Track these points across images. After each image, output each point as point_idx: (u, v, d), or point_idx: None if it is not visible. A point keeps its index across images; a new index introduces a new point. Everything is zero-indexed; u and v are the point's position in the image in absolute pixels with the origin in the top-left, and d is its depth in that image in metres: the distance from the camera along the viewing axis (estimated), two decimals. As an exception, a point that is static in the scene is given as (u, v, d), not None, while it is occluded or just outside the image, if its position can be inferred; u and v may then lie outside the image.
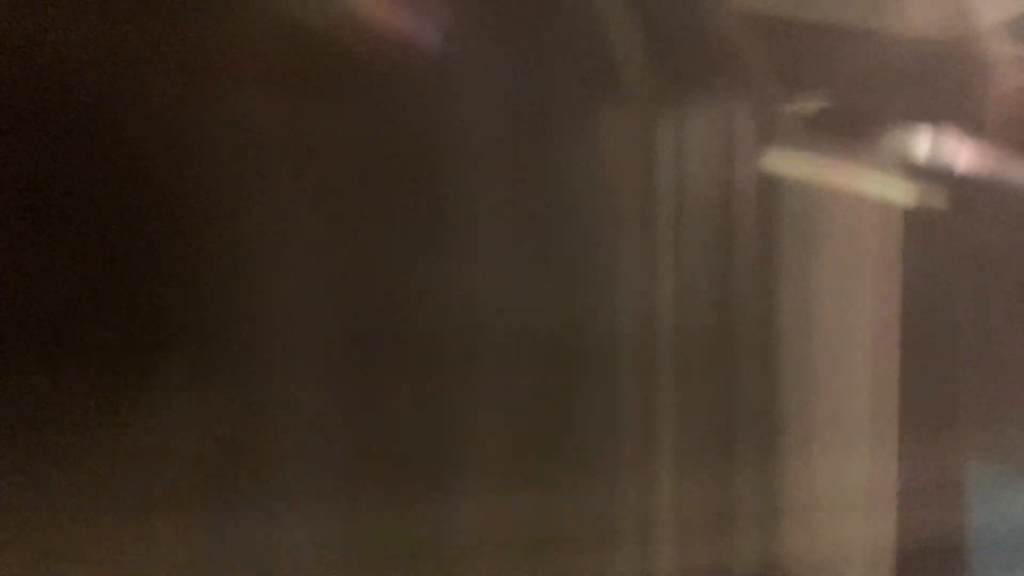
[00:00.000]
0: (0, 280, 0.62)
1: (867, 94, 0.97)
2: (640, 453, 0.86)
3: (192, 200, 0.67)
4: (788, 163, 0.93)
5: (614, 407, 0.85)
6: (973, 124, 1.03)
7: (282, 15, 0.69)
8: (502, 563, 0.79)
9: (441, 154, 0.76)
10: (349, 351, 0.74)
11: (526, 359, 0.80)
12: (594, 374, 0.84)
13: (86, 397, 0.65)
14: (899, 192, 1.00)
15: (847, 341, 0.98)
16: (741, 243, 0.90)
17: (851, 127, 0.97)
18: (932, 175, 1.01)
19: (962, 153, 1.03)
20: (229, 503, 0.70)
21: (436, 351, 0.77)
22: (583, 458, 0.84)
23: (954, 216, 1.03)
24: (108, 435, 0.66)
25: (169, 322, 0.67)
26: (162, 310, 0.67)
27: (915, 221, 1.00)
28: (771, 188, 0.92)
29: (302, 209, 0.72)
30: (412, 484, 0.76)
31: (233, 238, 0.69)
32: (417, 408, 0.76)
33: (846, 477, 0.99)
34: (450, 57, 0.75)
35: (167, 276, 0.67)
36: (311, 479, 0.73)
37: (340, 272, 0.73)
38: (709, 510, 0.90)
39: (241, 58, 0.68)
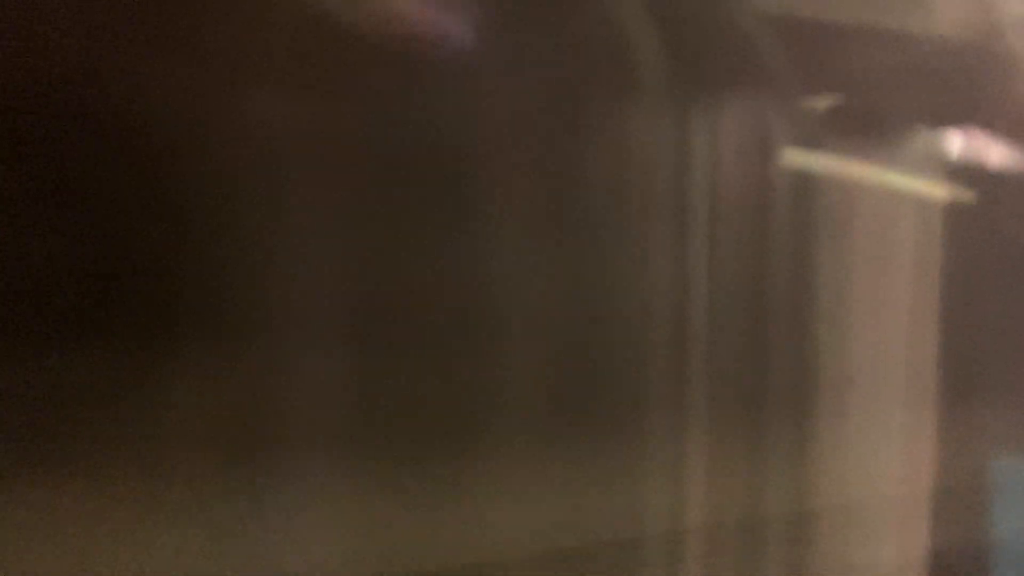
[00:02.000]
0: (17, 269, 0.62)
1: (893, 92, 0.97)
2: (670, 433, 0.87)
3: (213, 188, 0.67)
4: (814, 160, 0.94)
5: (645, 390, 0.86)
6: (999, 120, 1.03)
7: (305, 10, 0.69)
8: (527, 536, 0.80)
9: (465, 149, 0.76)
10: (375, 334, 0.74)
11: (553, 339, 0.81)
12: (625, 358, 0.85)
13: (100, 380, 0.64)
14: (924, 188, 1.00)
15: (883, 328, 0.99)
16: (770, 232, 0.91)
17: (876, 125, 0.97)
18: (960, 171, 1.02)
19: (989, 148, 1.03)
20: (245, 485, 0.69)
21: (465, 330, 0.77)
22: (614, 432, 0.84)
23: (981, 210, 1.03)
24: (123, 418, 0.65)
25: (187, 305, 0.67)
26: (179, 294, 0.67)
27: (947, 214, 1.01)
28: (804, 179, 0.92)
29: (327, 197, 0.71)
30: (438, 458, 0.77)
31: (254, 223, 0.69)
32: (446, 383, 0.76)
33: (880, 459, 1.00)
34: (474, 53, 0.75)
35: (183, 261, 0.67)
36: (330, 457, 0.73)
37: (365, 257, 0.73)
38: (741, 488, 0.91)
39: (263, 53, 0.68)
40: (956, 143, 1.02)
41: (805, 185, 0.93)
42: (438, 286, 0.76)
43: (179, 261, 0.67)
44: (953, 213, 1.01)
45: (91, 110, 0.63)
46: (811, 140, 0.93)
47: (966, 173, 1.03)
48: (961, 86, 1.01)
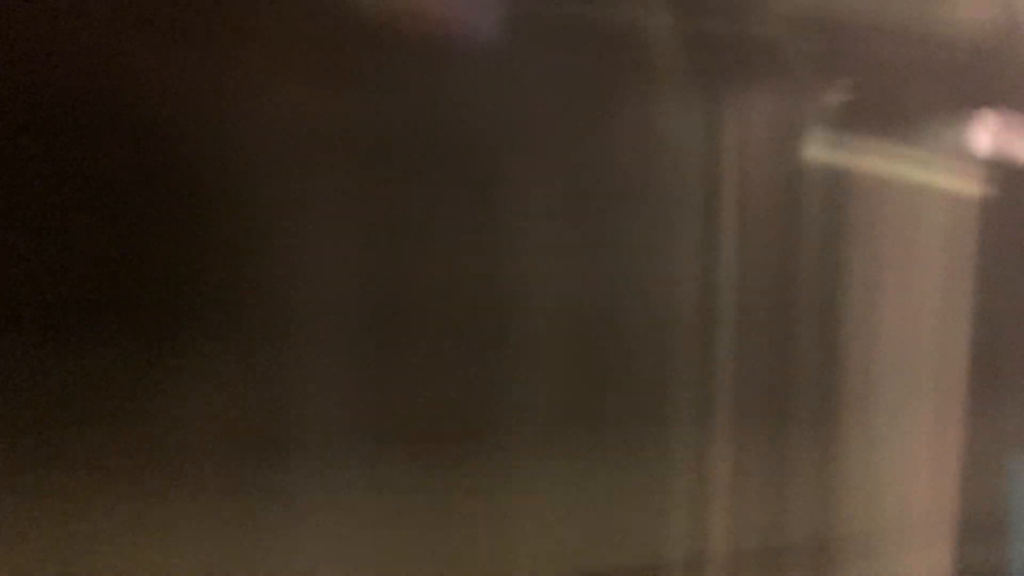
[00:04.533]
0: (31, 267, 0.62)
1: (920, 86, 0.96)
2: (695, 428, 0.87)
3: (229, 184, 0.67)
4: (840, 155, 0.93)
5: (670, 383, 0.85)
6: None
7: (330, 5, 0.69)
8: (548, 553, 0.80)
9: (488, 142, 0.76)
10: (397, 334, 0.74)
11: (577, 343, 0.81)
12: (650, 362, 0.84)
13: (117, 376, 0.65)
14: (950, 182, 0.99)
15: (913, 326, 0.98)
16: (795, 228, 0.90)
17: (902, 118, 0.96)
18: (988, 166, 1.01)
19: (1018, 143, 1.03)
20: (260, 484, 0.70)
21: (488, 331, 0.77)
22: (638, 443, 0.84)
23: (1007, 205, 1.02)
24: (138, 416, 0.66)
25: (204, 302, 0.68)
26: (197, 290, 0.67)
27: (973, 210, 1.00)
28: (829, 174, 0.92)
29: (346, 192, 0.72)
30: (457, 470, 0.76)
31: (271, 219, 0.69)
32: (467, 389, 0.76)
33: (907, 459, 0.99)
34: (499, 46, 0.74)
35: (199, 257, 0.67)
36: (347, 460, 0.73)
37: (387, 253, 0.74)
38: (765, 487, 0.91)
39: (287, 48, 0.68)
40: (984, 137, 1.01)
41: (831, 181, 0.92)
42: (462, 285, 0.76)
43: (195, 257, 0.67)
44: (980, 209, 1.01)
45: (107, 106, 0.63)
46: (837, 133, 0.92)
47: (994, 169, 1.02)
48: (988, 79, 1.00)
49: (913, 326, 0.99)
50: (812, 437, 0.93)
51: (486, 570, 0.78)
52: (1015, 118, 1.02)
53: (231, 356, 0.68)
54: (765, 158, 0.88)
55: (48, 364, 0.63)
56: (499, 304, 0.77)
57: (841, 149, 0.93)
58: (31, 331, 0.62)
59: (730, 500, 0.88)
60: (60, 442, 0.63)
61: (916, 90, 0.96)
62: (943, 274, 0.99)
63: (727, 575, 0.88)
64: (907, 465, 1.00)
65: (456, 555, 0.77)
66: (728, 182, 0.86)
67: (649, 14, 0.80)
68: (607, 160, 0.81)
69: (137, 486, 0.66)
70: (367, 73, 0.71)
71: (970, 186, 1.00)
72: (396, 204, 0.73)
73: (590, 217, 0.81)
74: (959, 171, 1.00)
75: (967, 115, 1.00)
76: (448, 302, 0.75)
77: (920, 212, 0.98)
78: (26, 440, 0.62)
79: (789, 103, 0.89)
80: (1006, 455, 1.07)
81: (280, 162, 0.68)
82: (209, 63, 0.65)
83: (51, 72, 0.61)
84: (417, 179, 0.73)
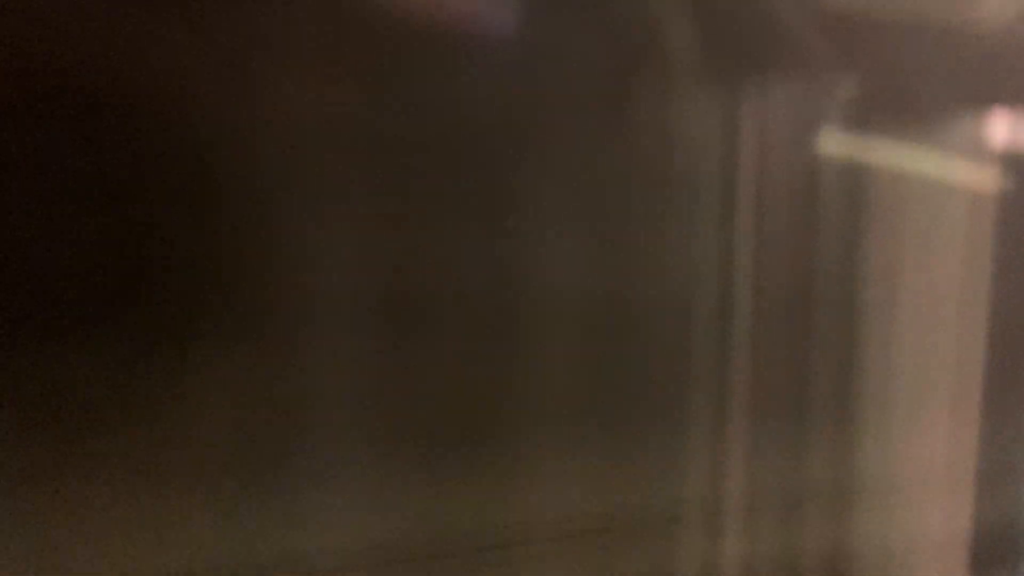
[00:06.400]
0: (39, 265, 0.62)
1: (937, 80, 0.95)
2: (710, 419, 0.87)
3: (239, 180, 0.67)
4: (857, 149, 0.93)
5: (688, 376, 0.85)
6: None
7: None
8: (559, 514, 0.80)
9: (502, 137, 0.76)
10: (410, 320, 0.74)
11: (592, 324, 0.81)
12: (666, 343, 0.84)
13: (127, 374, 0.65)
14: (964, 176, 0.99)
15: (931, 320, 0.98)
16: (812, 221, 0.90)
17: (919, 112, 0.96)
18: (1006, 159, 1.01)
19: None
20: (268, 478, 0.70)
21: (502, 316, 0.77)
22: (658, 418, 0.84)
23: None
24: (148, 411, 0.66)
25: (215, 296, 0.67)
26: (209, 283, 0.67)
27: (990, 204, 1.00)
28: (846, 168, 0.91)
29: (361, 185, 0.71)
30: (474, 442, 0.77)
31: (282, 214, 0.68)
32: (481, 369, 0.76)
33: (924, 453, 0.99)
34: (513, 40, 0.74)
35: (212, 252, 0.67)
36: (361, 441, 0.73)
37: (402, 244, 0.73)
38: (781, 483, 0.91)
39: (294, 42, 0.67)
40: (1002, 132, 1.01)
41: (848, 174, 0.92)
42: (474, 272, 0.76)
43: (206, 256, 0.66)
44: (999, 203, 1.00)
45: (113, 104, 0.62)
46: (853, 128, 0.92)
47: (1013, 164, 1.01)
48: (1010, 73, 0.99)
49: (932, 303, 0.98)
50: (830, 427, 0.93)
51: (503, 530, 0.79)
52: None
53: (242, 354, 0.68)
54: (783, 152, 0.88)
55: (57, 364, 0.62)
56: (516, 297, 0.77)
57: (860, 144, 0.93)
58: (39, 331, 0.62)
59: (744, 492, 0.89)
60: (68, 442, 0.63)
61: (936, 84, 0.95)
62: (963, 251, 0.98)
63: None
64: (928, 451, 0.99)
65: (473, 518, 0.78)
66: (745, 175, 0.86)
67: (667, 5, 0.80)
68: (623, 151, 0.81)
69: (147, 486, 0.66)
70: (379, 67, 0.70)
71: (989, 181, 1.00)
72: (409, 199, 0.73)
73: (608, 208, 0.81)
74: (978, 166, 0.99)
75: (987, 109, 0.99)
76: (464, 294, 0.75)
77: (939, 206, 0.97)
78: (34, 440, 0.62)
79: (808, 97, 0.89)
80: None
81: (296, 160, 0.68)
82: (225, 57, 0.65)
83: (56, 69, 0.60)
84: (431, 173, 0.73)
